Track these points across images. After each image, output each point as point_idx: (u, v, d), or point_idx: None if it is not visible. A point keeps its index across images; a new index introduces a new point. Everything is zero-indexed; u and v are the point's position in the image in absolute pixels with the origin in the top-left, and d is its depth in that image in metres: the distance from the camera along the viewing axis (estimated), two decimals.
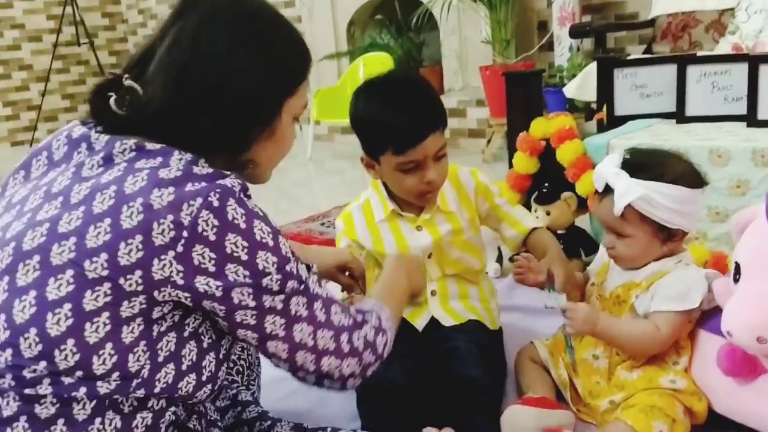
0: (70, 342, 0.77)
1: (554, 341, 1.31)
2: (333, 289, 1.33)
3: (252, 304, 0.84)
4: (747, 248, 1.01)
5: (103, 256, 0.78)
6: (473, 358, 1.26)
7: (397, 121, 1.26)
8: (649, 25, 3.31)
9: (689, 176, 1.19)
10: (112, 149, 0.86)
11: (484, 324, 1.40)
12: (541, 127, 1.89)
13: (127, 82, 0.89)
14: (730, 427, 1.11)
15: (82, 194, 0.82)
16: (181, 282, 0.80)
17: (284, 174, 3.98)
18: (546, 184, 1.87)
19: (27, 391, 0.77)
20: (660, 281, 1.15)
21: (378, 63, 4.31)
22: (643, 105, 2.04)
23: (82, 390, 0.78)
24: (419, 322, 1.39)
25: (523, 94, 1.94)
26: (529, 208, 1.92)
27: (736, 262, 1.02)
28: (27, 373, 0.77)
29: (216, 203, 0.81)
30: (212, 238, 0.80)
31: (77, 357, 0.77)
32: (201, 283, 0.81)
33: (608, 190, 1.19)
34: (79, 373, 0.77)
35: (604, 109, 2.12)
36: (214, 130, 0.89)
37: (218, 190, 0.81)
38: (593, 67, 2.68)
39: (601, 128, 2.09)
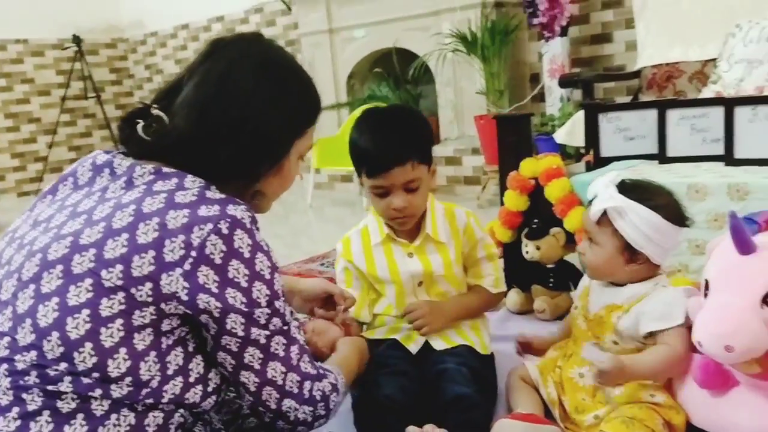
0: (88, 345, 0.84)
1: (544, 362, 1.37)
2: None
3: (240, 333, 0.91)
4: (714, 265, 1.09)
5: (119, 267, 0.86)
6: (463, 378, 1.33)
7: (368, 148, 1.39)
8: (635, 76, 3.45)
9: (670, 210, 1.27)
10: (133, 173, 0.95)
11: (475, 349, 1.46)
12: (530, 166, 1.99)
13: (155, 112, 0.99)
14: None
15: (105, 212, 0.90)
16: (185, 298, 0.88)
17: (285, 220, 4.08)
18: (536, 221, 1.95)
19: (50, 387, 0.84)
20: (640, 305, 1.23)
21: None
22: (627, 147, 2.14)
23: (98, 391, 0.85)
24: (413, 347, 1.46)
25: (514, 136, 2.05)
26: (520, 243, 2.00)
27: (705, 279, 1.10)
28: (50, 372, 0.84)
29: (225, 231, 0.89)
30: (218, 261, 0.88)
31: (94, 359, 0.84)
32: (202, 300, 0.88)
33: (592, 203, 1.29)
34: (95, 375, 0.84)
35: (592, 152, 2.23)
36: (230, 161, 0.98)
37: (229, 219, 0.90)
38: (581, 114, 2.80)
39: (589, 169, 2.19)
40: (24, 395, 0.84)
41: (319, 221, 4.22)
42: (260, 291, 0.92)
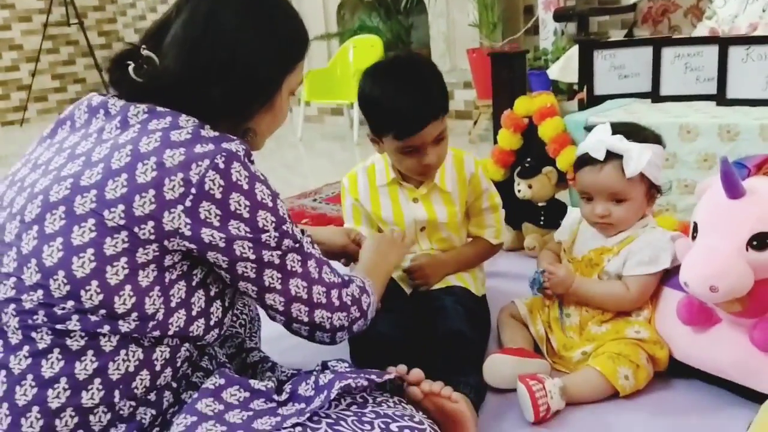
0: (94, 283, 0.86)
1: (533, 300, 1.42)
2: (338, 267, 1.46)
3: (252, 257, 0.94)
4: (703, 209, 1.12)
5: (120, 207, 0.87)
6: (459, 316, 1.37)
7: (399, 109, 1.33)
8: (631, 10, 3.41)
9: (659, 138, 1.33)
10: (127, 113, 0.95)
11: (470, 290, 1.50)
12: (524, 105, 1.99)
13: (145, 53, 0.98)
14: (689, 373, 1.23)
15: (102, 153, 0.91)
16: (188, 233, 0.90)
17: (275, 154, 4.07)
18: (528, 159, 1.97)
19: (58, 326, 0.86)
20: (630, 246, 1.27)
21: (367, 46, 4.40)
22: (621, 85, 2.15)
23: (106, 327, 0.87)
24: (408, 286, 1.50)
25: (508, 74, 2.04)
26: (512, 181, 2.02)
27: (694, 222, 1.13)
28: (57, 311, 0.86)
29: (222, 165, 0.90)
30: (218, 196, 0.90)
31: (101, 297, 0.87)
32: (206, 234, 0.90)
33: (610, 157, 1.29)
34: (102, 312, 0.87)
35: (585, 89, 2.23)
36: (222, 100, 0.98)
37: (224, 153, 0.91)
38: (575, 50, 2.78)
39: (582, 107, 2.20)
40: (33, 334, 0.86)
41: (310, 156, 4.21)
42: (265, 218, 0.94)
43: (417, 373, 1.07)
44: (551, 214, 1.98)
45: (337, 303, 1.03)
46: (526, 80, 2.09)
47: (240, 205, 0.92)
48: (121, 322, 0.88)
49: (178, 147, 0.90)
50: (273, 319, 1.02)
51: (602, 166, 1.30)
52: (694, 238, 1.12)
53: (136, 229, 0.88)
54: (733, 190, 1.06)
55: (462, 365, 1.25)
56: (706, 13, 3.02)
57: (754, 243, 1.04)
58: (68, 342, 0.87)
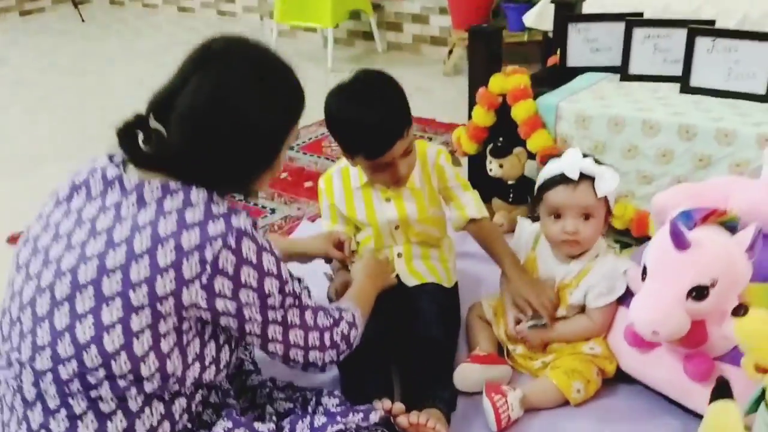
0: (123, 355, 0.98)
1: (498, 302, 1.57)
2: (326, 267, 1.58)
3: (259, 318, 1.06)
4: (653, 253, 1.25)
5: (144, 288, 0.98)
6: (433, 318, 1.52)
7: (366, 133, 1.42)
8: None
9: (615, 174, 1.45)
10: (143, 190, 1.03)
11: (442, 285, 1.64)
12: (498, 83, 2.05)
13: (153, 124, 1.04)
14: (633, 379, 1.41)
15: (123, 234, 1.00)
16: (204, 305, 1.01)
17: None
18: (500, 139, 2.06)
19: (92, 392, 0.99)
20: (587, 278, 1.42)
21: None
22: (593, 58, 2.20)
23: (133, 390, 1.00)
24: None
25: (485, 50, 2.08)
26: (484, 155, 2.12)
27: (644, 264, 1.26)
28: (90, 379, 0.98)
29: (233, 244, 1.01)
30: (230, 271, 1.01)
31: (129, 365, 0.99)
32: (220, 304, 1.02)
33: (582, 177, 1.40)
34: (130, 377, 1.00)
35: (558, 53, 2.27)
36: (228, 171, 1.07)
37: (234, 232, 1.01)
38: None
39: (554, 75, 2.25)
40: (70, 400, 0.99)
41: None
42: (271, 284, 1.06)
43: (399, 406, 1.23)
44: (520, 191, 2.10)
45: (328, 343, 1.17)
46: (501, 58, 2.13)
47: (249, 277, 1.03)
48: (146, 383, 1.01)
49: (193, 228, 1.00)
50: (272, 359, 1.16)
51: (576, 185, 1.41)
52: (643, 279, 1.26)
53: (158, 306, 0.99)
54: (679, 244, 1.19)
55: (437, 375, 1.41)
56: None
57: (693, 294, 1.18)
58: (101, 405, 1.00)
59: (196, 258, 0.99)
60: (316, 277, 1.62)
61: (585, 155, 1.43)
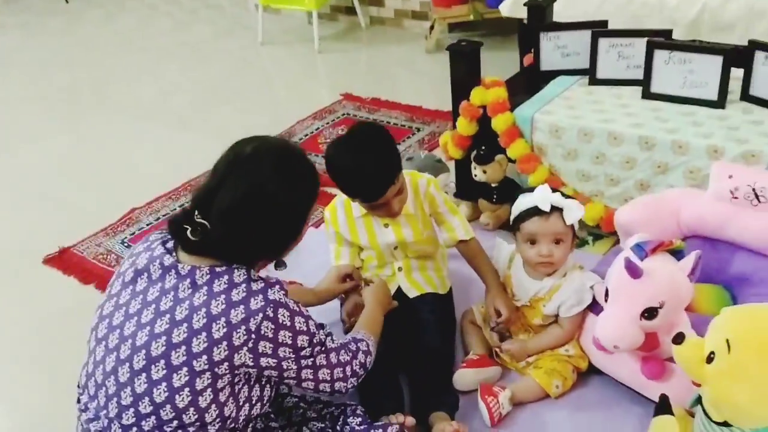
0: (191, 409, 1.25)
1: (486, 309, 1.84)
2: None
3: (294, 367, 1.33)
4: (613, 279, 1.51)
5: (204, 357, 1.24)
6: (434, 328, 1.79)
7: (361, 183, 1.67)
8: None
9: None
10: (195, 276, 1.27)
11: (438, 292, 1.90)
12: (479, 96, 2.26)
13: (198, 219, 1.28)
14: (602, 373, 1.69)
15: (183, 314, 1.25)
16: (251, 363, 1.27)
17: (242, 79, 4.18)
18: (483, 147, 2.28)
19: None
20: (559, 293, 1.68)
21: None
22: (564, 62, 2.40)
23: None
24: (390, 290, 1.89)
25: (465, 66, 2.28)
26: (470, 159, 2.35)
27: (606, 287, 1.53)
28: (167, 429, 1.25)
29: (272, 315, 1.26)
30: (270, 336, 1.27)
31: (196, 416, 1.25)
32: (263, 361, 1.28)
33: (553, 209, 1.65)
34: (198, 424, 1.26)
35: (533, 54, 2.47)
36: (265, 249, 1.34)
37: (272, 305, 1.26)
38: None
39: (530, 78, 2.45)
40: None
41: (276, 71, 4.33)
42: (302, 339, 1.32)
43: (411, 420, 1.50)
44: (503, 192, 2.33)
45: (350, 373, 1.44)
46: (479, 73, 2.32)
47: (285, 337, 1.29)
48: (209, 427, 1.27)
49: (239, 305, 1.25)
50: (305, 391, 1.43)
51: (548, 216, 1.66)
52: (606, 300, 1.52)
53: (216, 369, 1.25)
54: (633, 274, 1.44)
55: (440, 381, 1.69)
56: None
57: (646, 314, 1.45)
58: None
59: (243, 329, 1.24)
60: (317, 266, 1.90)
61: (554, 190, 1.67)
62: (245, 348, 1.25)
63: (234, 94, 3.85)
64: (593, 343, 1.60)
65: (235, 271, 1.29)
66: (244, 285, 1.28)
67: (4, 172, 3.24)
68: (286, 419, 1.55)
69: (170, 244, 1.34)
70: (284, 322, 1.29)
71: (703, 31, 2.68)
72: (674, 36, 2.45)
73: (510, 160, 2.27)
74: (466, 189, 2.42)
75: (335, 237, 1.92)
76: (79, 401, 1.40)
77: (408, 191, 1.84)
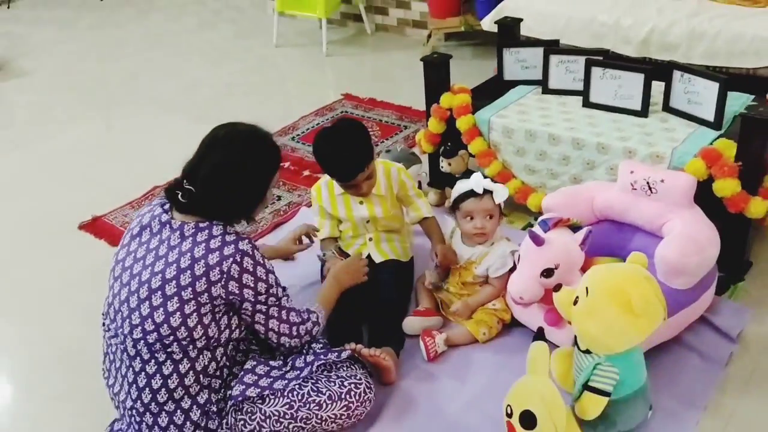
0: (183, 328, 1.65)
1: (437, 274, 2.26)
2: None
3: (250, 309, 1.74)
4: (523, 247, 1.93)
5: (189, 289, 1.64)
6: (391, 286, 2.21)
7: (336, 167, 2.13)
8: None
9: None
10: (183, 229, 1.70)
11: (401, 260, 2.33)
12: (447, 100, 2.68)
13: (186, 186, 1.72)
14: (522, 325, 2.11)
15: (174, 257, 1.67)
16: (224, 297, 1.68)
17: (259, 75, 4.63)
18: (449, 144, 2.71)
19: (168, 349, 1.66)
20: (487, 258, 2.11)
21: None
22: (523, 73, 2.82)
23: (191, 346, 1.67)
24: (363, 253, 2.32)
25: (436, 76, 2.70)
26: (439, 156, 2.77)
27: (518, 254, 1.94)
28: (166, 341, 1.66)
29: (239, 259, 1.68)
30: (236, 276, 1.68)
31: (186, 333, 1.64)
32: (231, 298, 1.69)
33: (484, 191, 2.08)
34: (188, 339, 1.66)
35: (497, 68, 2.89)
36: (236, 209, 1.76)
37: (240, 252, 1.68)
38: (508, 2, 3.39)
39: (494, 86, 2.87)
40: (155, 354, 1.68)
41: (287, 68, 4.77)
42: (261, 287, 1.73)
43: (360, 347, 1.93)
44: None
45: (295, 333, 1.82)
46: (449, 80, 2.75)
47: (248, 281, 1.70)
48: (197, 342, 1.70)
49: (215, 252, 1.67)
50: (258, 335, 1.85)
51: (482, 197, 2.09)
52: (518, 261, 1.94)
53: (198, 299, 1.67)
54: (537, 242, 1.86)
55: (391, 325, 2.12)
56: None
57: (544, 273, 1.87)
58: (173, 355, 1.69)
59: (217, 270, 1.66)
60: (311, 256, 2.36)
61: (484, 176, 2.09)
62: (219, 284, 1.67)
63: (250, 90, 4.30)
64: (512, 299, 2.03)
65: (215, 226, 1.71)
66: (220, 237, 1.70)
67: (42, 153, 3.73)
68: (264, 344, 1.98)
69: (167, 206, 1.77)
70: (248, 268, 1.69)
71: (652, 49, 3.09)
72: (627, 53, 2.86)
73: (471, 155, 2.69)
74: (435, 179, 2.85)
75: (319, 211, 2.36)
76: (103, 324, 1.83)
77: (380, 177, 2.28)
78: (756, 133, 2.07)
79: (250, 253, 1.71)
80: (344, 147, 2.10)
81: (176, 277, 1.67)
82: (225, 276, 1.67)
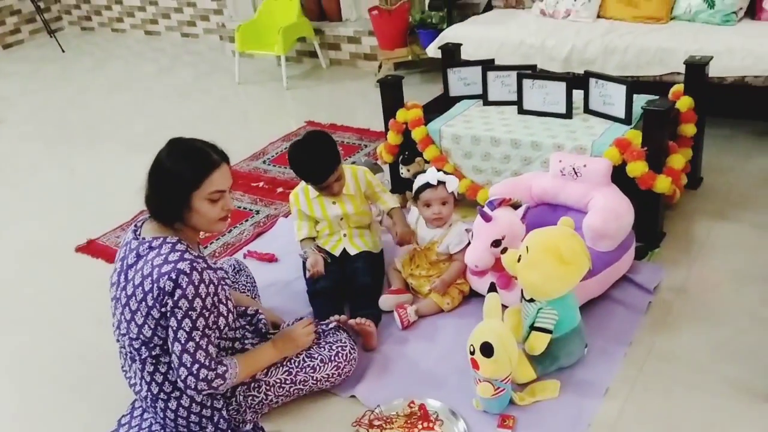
0: (155, 338, 1.88)
1: (404, 260, 2.64)
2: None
3: (175, 325, 1.83)
4: (475, 225, 2.32)
5: (143, 303, 1.83)
6: (366, 273, 2.58)
7: (307, 173, 2.51)
8: None
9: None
10: (139, 249, 1.90)
11: (372, 251, 2.71)
12: (402, 115, 3.10)
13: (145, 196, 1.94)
14: (479, 294, 2.49)
15: (132, 275, 1.87)
16: (161, 309, 1.88)
17: (223, 113, 4.99)
18: (407, 152, 3.11)
19: (150, 350, 1.92)
20: (446, 238, 2.49)
21: (286, 1, 5.25)
22: (466, 89, 3.26)
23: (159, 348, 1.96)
24: (336, 252, 2.69)
25: (392, 94, 3.12)
26: (398, 164, 3.17)
27: (472, 231, 2.34)
28: (149, 344, 1.92)
29: (174, 276, 1.80)
30: (169, 291, 1.80)
31: (160, 342, 1.90)
32: (164, 307, 1.88)
33: (439, 182, 2.47)
34: (164, 347, 1.94)
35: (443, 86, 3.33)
36: (159, 209, 1.91)
37: (175, 271, 1.80)
38: (449, 30, 3.85)
39: (441, 102, 3.30)
40: (142, 353, 1.92)
41: (250, 106, 5.15)
42: (183, 304, 1.80)
43: (345, 317, 2.28)
44: None
45: (194, 372, 1.84)
46: (402, 99, 3.17)
47: (179, 297, 1.81)
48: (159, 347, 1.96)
49: (160, 267, 1.82)
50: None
51: (437, 187, 2.49)
52: (472, 236, 2.34)
53: (152, 312, 1.85)
54: (485, 218, 2.27)
55: (369, 303, 2.48)
56: None
57: (494, 244, 2.27)
58: (161, 358, 1.93)
59: (156, 285, 1.81)
60: (293, 256, 2.71)
61: (438, 170, 2.49)
62: (160, 298, 1.82)
63: (214, 126, 4.63)
64: (469, 270, 2.42)
65: (164, 245, 1.87)
66: (165, 255, 1.85)
67: (23, 190, 4.00)
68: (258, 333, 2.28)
69: (140, 224, 1.98)
70: (181, 284, 1.79)
71: (574, 64, 3.58)
72: (553, 68, 3.32)
73: (426, 161, 3.10)
74: (395, 184, 3.25)
75: (297, 214, 2.72)
76: (114, 334, 2.07)
77: (349, 179, 2.66)
78: (655, 122, 2.53)
79: (187, 271, 1.82)
80: (315, 153, 2.49)
81: (134, 294, 1.88)
82: (161, 290, 1.82)
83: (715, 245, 2.71)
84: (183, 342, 1.85)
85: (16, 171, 4.32)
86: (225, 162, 1.95)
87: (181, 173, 1.88)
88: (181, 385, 1.89)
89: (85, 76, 6.09)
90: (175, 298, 1.82)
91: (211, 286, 1.87)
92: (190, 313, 1.84)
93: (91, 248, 3.28)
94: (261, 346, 2.09)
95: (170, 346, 1.88)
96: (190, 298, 1.83)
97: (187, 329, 1.85)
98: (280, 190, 3.57)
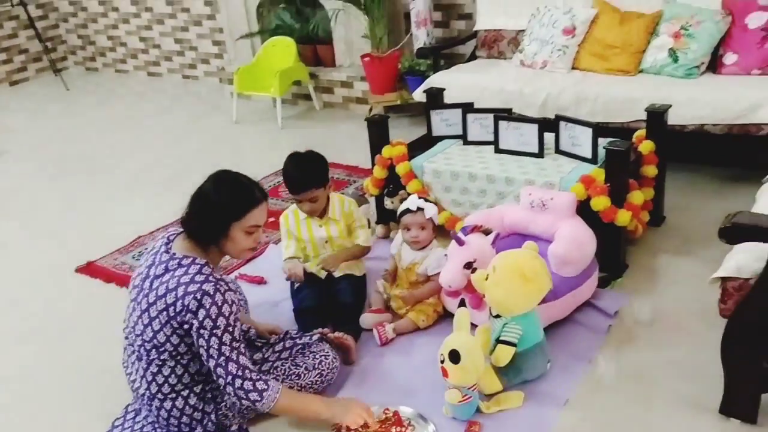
0: (168, 344, 2.08)
1: (386, 283, 2.84)
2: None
3: (195, 337, 2.02)
4: (450, 249, 2.53)
5: (164, 313, 2.02)
6: (348, 293, 2.78)
7: (292, 179, 2.72)
8: (473, 37, 4.73)
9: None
10: (168, 264, 2.11)
11: (355, 274, 2.90)
12: (388, 151, 3.33)
13: (184, 216, 2.17)
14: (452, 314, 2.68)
15: (156, 285, 2.06)
16: (180, 322, 2.07)
17: (225, 146, 5.23)
18: (391, 186, 3.34)
19: (160, 353, 2.11)
20: (425, 261, 2.70)
21: (284, 46, 5.56)
22: (447, 130, 3.51)
23: (172, 351, 2.15)
24: (322, 274, 2.88)
25: (378, 132, 3.37)
26: (383, 199, 3.39)
27: (446, 253, 2.55)
28: (159, 347, 2.11)
29: (199, 297, 1.97)
30: (194, 310, 2.01)
31: (172, 348, 2.10)
32: (187, 324, 2.06)
33: (418, 209, 2.68)
34: (177, 351, 2.12)
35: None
36: (200, 234, 2.13)
37: (200, 292, 1.98)
38: (436, 77, 4.13)
39: (424, 142, 3.54)
40: (151, 354, 2.10)
41: (248, 142, 5.39)
42: (207, 323, 1.97)
43: (327, 330, 2.47)
44: None
45: (237, 383, 2.01)
46: (388, 137, 3.41)
47: (204, 317, 1.98)
48: (185, 355, 2.12)
49: (183, 286, 2.00)
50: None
51: (416, 212, 2.71)
52: (447, 258, 2.55)
53: (172, 323, 2.06)
54: (459, 243, 2.48)
55: (350, 320, 2.67)
56: (520, 47, 4.38)
57: (466, 266, 2.47)
58: (168, 362, 2.10)
59: (181, 302, 1.98)
60: (281, 280, 2.91)
61: (419, 197, 2.72)
62: (183, 312, 1.99)
63: (210, 163, 4.74)
64: (444, 291, 2.62)
65: (193, 265, 2.03)
66: (192, 274, 2.01)
67: (23, 220, 4.20)
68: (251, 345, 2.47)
69: (172, 237, 2.18)
70: (205, 305, 1.96)
71: (549, 110, 3.84)
72: (530, 113, 3.57)
73: (408, 194, 3.32)
74: (381, 215, 3.47)
75: (286, 234, 2.93)
76: (124, 330, 2.26)
77: (336, 205, 2.87)
78: (616, 160, 2.77)
79: (211, 293, 1.98)
80: (303, 166, 2.74)
81: (156, 303, 2.05)
82: (186, 308, 1.99)
83: (674, 277, 2.92)
84: (216, 357, 2.02)
85: (17, 200, 4.52)
86: (265, 200, 2.15)
87: (227, 204, 2.07)
88: (226, 398, 2.13)
89: (88, 114, 6.33)
90: (200, 318, 1.97)
91: (234, 305, 2.04)
92: (215, 331, 1.99)
93: (90, 269, 3.46)
94: (313, 396, 2.24)
95: (205, 363, 2.04)
96: (213, 317, 1.99)
97: (216, 346, 2.00)
98: (272, 219, 3.77)
